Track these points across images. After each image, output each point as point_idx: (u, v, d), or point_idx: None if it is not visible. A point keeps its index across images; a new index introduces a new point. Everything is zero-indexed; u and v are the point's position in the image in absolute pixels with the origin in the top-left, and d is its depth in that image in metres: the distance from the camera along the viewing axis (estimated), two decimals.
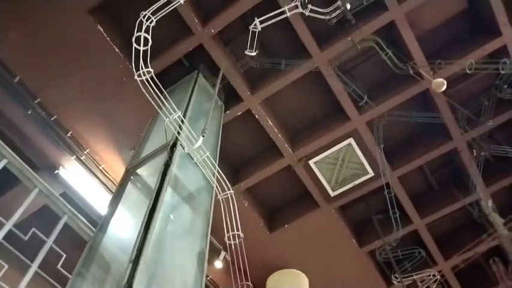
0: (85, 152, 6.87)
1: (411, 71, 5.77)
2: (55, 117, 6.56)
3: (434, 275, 7.27)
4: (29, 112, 6.43)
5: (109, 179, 7.12)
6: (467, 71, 5.54)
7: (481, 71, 5.88)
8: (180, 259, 3.33)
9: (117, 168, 7.03)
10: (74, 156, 6.83)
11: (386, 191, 6.71)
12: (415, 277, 7.31)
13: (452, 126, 6.48)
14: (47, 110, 6.51)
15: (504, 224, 6.74)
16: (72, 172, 7.06)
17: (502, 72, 5.82)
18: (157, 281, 2.90)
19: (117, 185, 6.23)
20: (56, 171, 6.97)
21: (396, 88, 6.31)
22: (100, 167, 7.05)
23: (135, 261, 2.72)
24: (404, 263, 7.43)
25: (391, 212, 6.80)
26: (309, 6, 5.32)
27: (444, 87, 4.98)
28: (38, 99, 6.42)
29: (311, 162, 6.92)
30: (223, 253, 7.26)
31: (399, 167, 6.88)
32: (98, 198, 7.28)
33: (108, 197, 7.00)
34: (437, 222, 7.51)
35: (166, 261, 3.13)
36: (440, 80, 4.93)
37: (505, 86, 6.16)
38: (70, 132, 6.70)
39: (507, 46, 5.85)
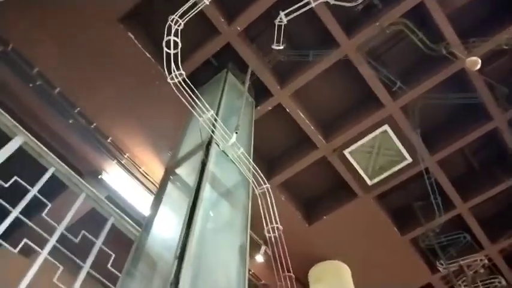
0: (125, 156, 7.13)
1: (444, 51, 5.61)
2: (95, 124, 6.84)
3: (481, 260, 7.07)
4: (70, 121, 6.75)
5: (149, 180, 7.35)
6: (504, 47, 5.33)
7: None
8: (222, 254, 3.41)
9: (156, 169, 7.25)
10: (115, 161, 7.12)
11: (426, 177, 6.56)
12: (461, 263, 7.14)
13: (491, 105, 6.24)
14: (87, 118, 6.80)
15: None
16: (114, 176, 7.36)
17: None
18: (202, 275, 2.98)
19: (157, 185, 6.43)
20: (100, 176, 7.29)
21: (430, 70, 6.14)
22: (140, 169, 7.29)
23: (180, 258, 2.82)
24: (448, 249, 7.26)
25: (432, 197, 6.66)
26: None
27: (479, 65, 4.83)
28: (78, 109, 6.71)
29: (346, 152, 6.86)
30: (263, 247, 7.34)
31: (438, 151, 6.71)
32: (139, 199, 7.54)
33: (150, 197, 7.24)
34: (481, 206, 7.27)
35: (209, 256, 3.22)
36: (475, 58, 4.79)
37: None
38: (110, 138, 6.97)
39: None
